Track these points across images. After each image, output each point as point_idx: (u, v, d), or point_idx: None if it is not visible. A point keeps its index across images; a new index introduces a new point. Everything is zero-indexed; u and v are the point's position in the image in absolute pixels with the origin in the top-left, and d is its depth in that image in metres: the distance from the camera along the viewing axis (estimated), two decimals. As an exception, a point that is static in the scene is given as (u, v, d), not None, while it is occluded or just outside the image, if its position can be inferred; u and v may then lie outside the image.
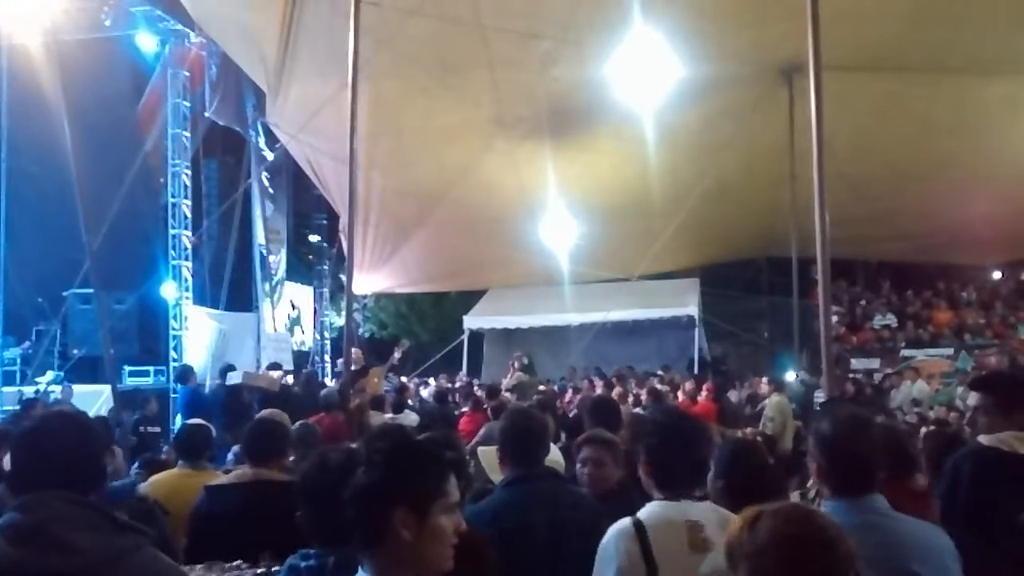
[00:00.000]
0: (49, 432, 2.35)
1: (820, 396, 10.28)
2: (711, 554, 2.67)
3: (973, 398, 3.70)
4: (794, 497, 4.52)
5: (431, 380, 17.08)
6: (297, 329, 21.99)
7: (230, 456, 6.31)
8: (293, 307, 21.78)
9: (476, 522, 3.03)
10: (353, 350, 12.66)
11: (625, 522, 2.78)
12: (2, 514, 2.21)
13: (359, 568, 1.89)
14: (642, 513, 2.81)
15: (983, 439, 3.28)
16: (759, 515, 1.77)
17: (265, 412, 5.17)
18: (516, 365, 15.87)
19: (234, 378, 11.89)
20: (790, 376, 14.03)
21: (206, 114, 17.57)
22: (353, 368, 11.41)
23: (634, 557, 2.68)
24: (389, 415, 9.59)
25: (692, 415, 3.87)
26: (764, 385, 12.81)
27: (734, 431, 6.62)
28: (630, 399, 11.84)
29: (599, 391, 12.64)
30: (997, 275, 21.12)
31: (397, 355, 13.46)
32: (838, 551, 1.70)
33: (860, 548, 2.32)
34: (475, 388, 13.95)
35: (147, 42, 16.83)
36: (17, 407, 11.31)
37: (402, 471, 1.84)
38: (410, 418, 9.70)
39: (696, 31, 11.50)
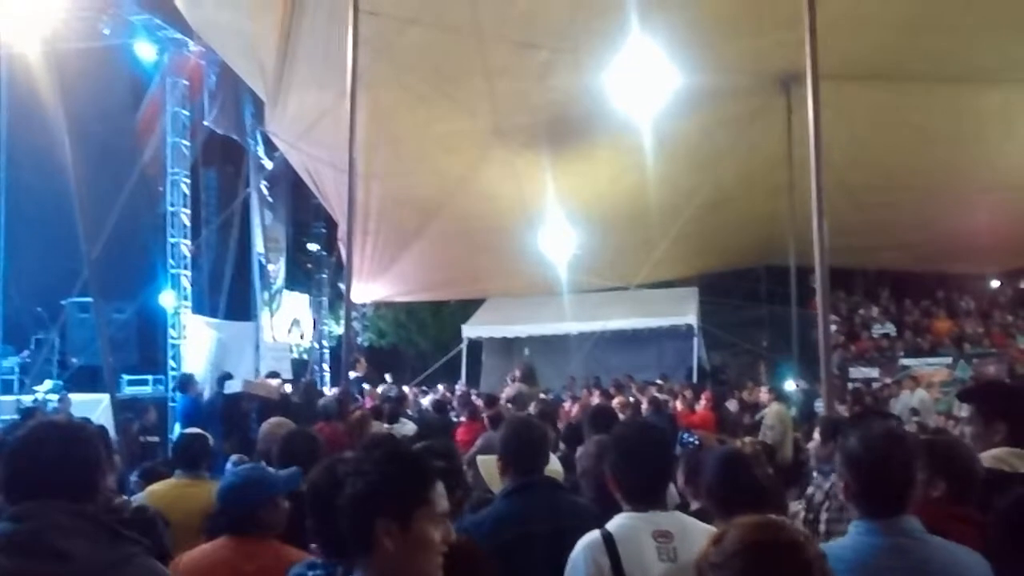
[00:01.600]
0: (41, 441, 2.34)
1: (819, 405, 10.27)
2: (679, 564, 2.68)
3: (962, 409, 3.69)
4: (794, 507, 4.53)
5: (440, 387, 17.10)
6: (296, 337, 21.97)
7: (228, 466, 6.29)
8: (295, 323, 21.74)
9: (475, 532, 3.02)
10: (361, 360, 12.78)
11: (594, 534, 2.77)
12: None
13: None
14: (611, 525, 2.81)
15: (982, 460, 3.24)
16: (727, 529, 1.76)
17: (272, 420, 5.17)
18: (517, 374, 15.84)
19: (233, 386, 11.87)
20: (789, 385, 14.03)
21: (205, 123, 17.59)
22: (355, 375, 11.46)
23: (604, 570, 2.69)
24: (386, 425, 9.55)
25: (653, 425, 3.85)
26: (764, 394, 12.78)
27: (733, 440, 6.62)
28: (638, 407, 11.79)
29: (596, 400, 12.63)
30: (996, 284, 21.14)
31: (388, 378, 13.74)
32: (806, 555, 1.67)
33: (887, 572, 2.31)
34: (472, 397, 13.94)
35: (146, 51, 16.84)
36: (16, 416, 11.29)
37: (383, 480, 1.83)
38: (407, 428, 9.68)
39: (694, 41, 11.52)
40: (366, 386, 14.28)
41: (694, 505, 3.32)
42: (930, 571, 2.33)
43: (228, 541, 3.28)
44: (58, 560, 2.12)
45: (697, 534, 2.81)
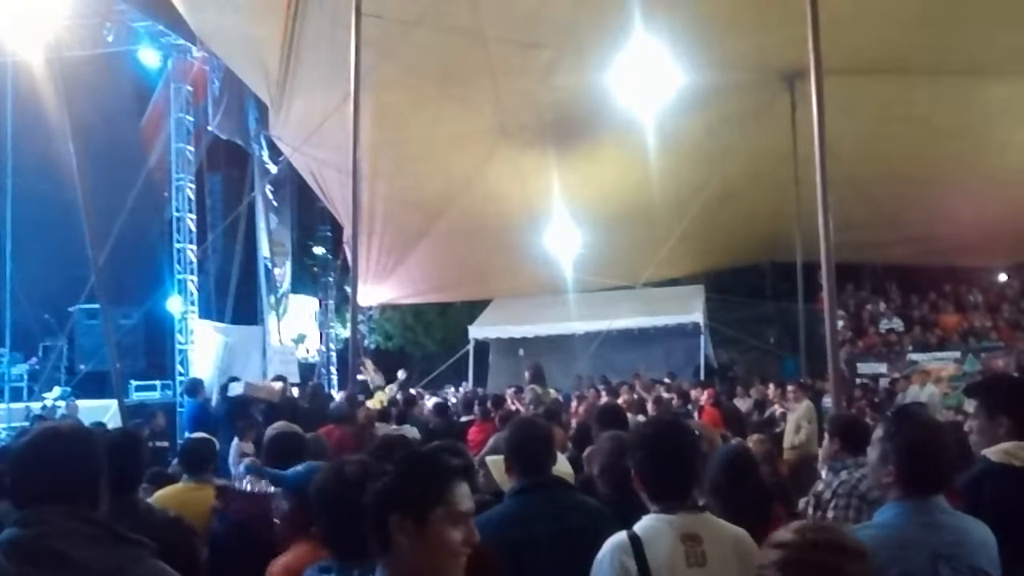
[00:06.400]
0: (42, 447, 2.36)
1: (827, 402, 10.22)
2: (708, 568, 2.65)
3: (971, 405, 3.69)
4: (802, 503, 4.51)
5: (450, 389, 17.04)
6: (303, 351, 21.90)
7: (241, 469, 6.28)
8: (301, 338, 21.67)
9: (481, 532, 3.00)
10: (368, 362, 12.75)
11: (621, 536, 2.72)
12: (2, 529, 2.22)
13: None
14: (638, 527, 2.75)
15: (990, 454, 3.22)
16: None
17: (278, 424, 5.16)
18: (527, 376, 15.76)
19: (235, 389, 11.83)
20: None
21: (209, 128, 17.61)
22: (361, 378, 11.44)
23: (630, 572, 2.63)
24: (394, 426, 9.55)
25: (682, 423, 3.83)
26: (790, 393, 12.51)
27: (741, 438, 6.60)
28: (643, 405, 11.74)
29: (604, 399, 12.57)
30: (1003, 277, 21.04)
31: (401, 375, 13.73)
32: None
33: (933, 546, 2.53)
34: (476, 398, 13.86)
35: (150, 57, 16.88)
36: (26, 423, 11.32)
37: (398, 478, 1.83)
38: (412, 431, 9.66)
39: (697, 38, 11.51)
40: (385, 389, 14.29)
41: (691, 502, 3.28)
42: (968, 544, 2.58)
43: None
44: (64, 565, 2.12)
45: (726, 537, 2.76)
